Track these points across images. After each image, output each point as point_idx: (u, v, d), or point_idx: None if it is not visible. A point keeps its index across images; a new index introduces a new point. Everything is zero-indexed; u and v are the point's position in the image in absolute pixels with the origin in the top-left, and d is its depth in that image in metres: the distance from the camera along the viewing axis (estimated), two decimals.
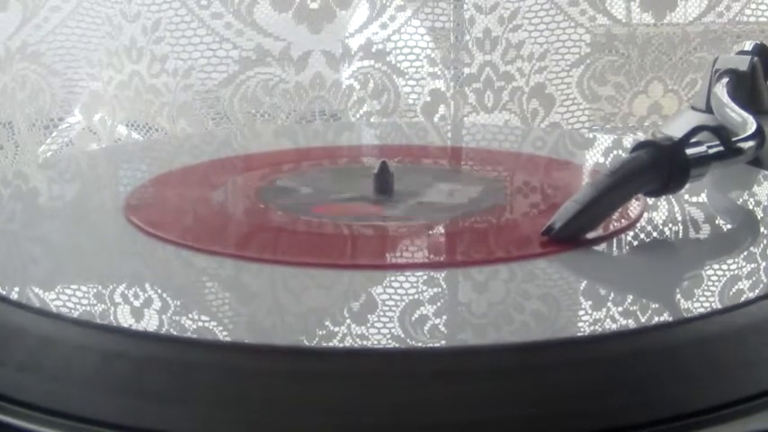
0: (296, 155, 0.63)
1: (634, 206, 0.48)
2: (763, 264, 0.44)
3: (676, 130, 0.50)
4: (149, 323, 0.38)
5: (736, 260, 0.45)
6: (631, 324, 0.38)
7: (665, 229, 0.48)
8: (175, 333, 0.38)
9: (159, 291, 0.42)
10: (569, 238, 0.44)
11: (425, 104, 0.85)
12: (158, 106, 0.79)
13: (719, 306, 0.40)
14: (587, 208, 0.44)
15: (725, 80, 0.61)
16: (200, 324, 0.39)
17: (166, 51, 0.78)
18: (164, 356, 0.36)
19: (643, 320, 0.38)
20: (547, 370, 0.35)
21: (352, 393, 0.34)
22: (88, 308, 0.40)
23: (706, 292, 0.41)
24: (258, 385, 0.35)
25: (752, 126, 0.52)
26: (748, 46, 0.63)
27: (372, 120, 0.83)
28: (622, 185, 0.44)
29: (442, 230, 0.48)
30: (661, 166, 0.45)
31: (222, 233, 0.48)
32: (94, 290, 0.41)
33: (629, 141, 0.65)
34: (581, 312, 0.40)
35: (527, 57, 0.85)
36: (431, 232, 0.48)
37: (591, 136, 0.77)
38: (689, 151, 0.46)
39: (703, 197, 0.53)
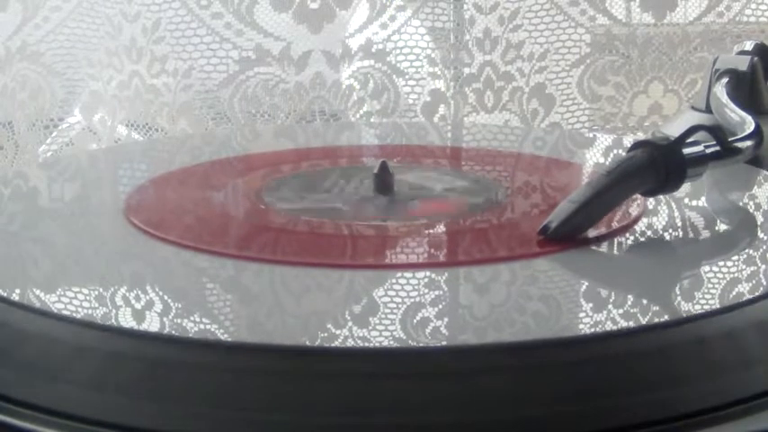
0: (296, 155, 0.63)
1: (633, 206, 0.48)
2: (763, 264, 0.44)
3: (676, 130, 0.50)
4: (149, 324, 0.38)
5: (736, 260, 0.45)
6: (631, 324, 0.38)
7: (665, 229, 0.48)
8: (176, 333, 0.38)
9: (159, 291, 0.42)
10: (565, 237, 0.44)
11: (425, 104, 0.85)
12: (158, 106, 0.79)
13: (719, 306, 0.40)
14: (583, 207, 0.44)
15: (725, 80, 0.61)
16: (201, 324, 0.39)
17: (166, 51, 0.78)
18: (163, 357, 0.36)
19: (643, 321, 0.38)
20: (547, 370, 0.35)
21: (352, 393, 0.34)
22: (88, 308, 0.40)
23: (705, 293, 0.41)
24: (258, 385, 0.35)
25: (750, 126, 0.52)
26: (748, 46, 0.63)
27: (372, 120, 0.83)
28: (619, 185, 0.44)
29: (442, 230, 0.48)
30: (658, 166, 0.45)
31: (222, 233, 0.48)
32: (94, 290, 0.41)
33: (629, 141, 0.65)
34: (580, 312, 0.40)
35: (527, 57, 0.86)
36: (431, 232, 0.48)
37: (591, 136, 0.77)
38: (686, 151, 0.46)
39: (702, 197, 0.53)
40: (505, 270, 0.43)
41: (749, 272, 0.43)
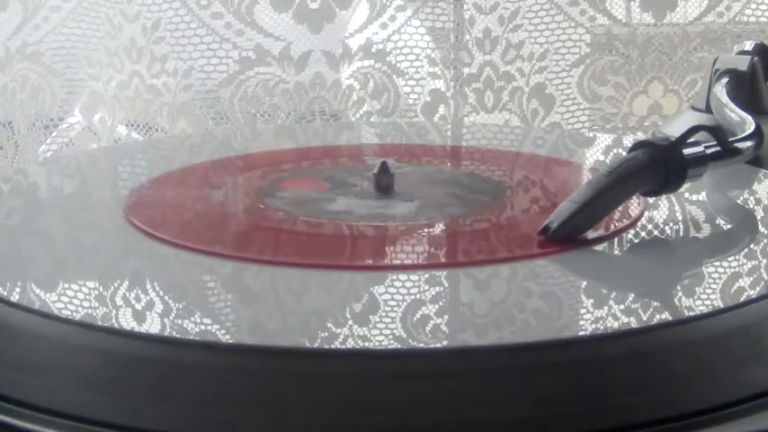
0: (296, 155, 0.63)
1: (634, 206, 0.48)
2: (764, 263, 0.44)
3: (676, 130, 0.50)
4: (150, 324, 0.38)
5: (736, 260, 0.45)
6: (631, 324, 0.38)
7: (665, 228, 0.48)
8: (176, 334, 0.38)
9: (159, 291, 0.42)
10: (566, 237, 0.44)
11: (425, 104, 0.85)
12: (158, 106, 0.79)
13: (719, 306, 0.40)
14: (584, 208, 0.44)
15: (725, 80, 0.61)
16: (201, 325, 0.39)
17: (166, 51, 0.78)
18: (163, 357, 0.36)
19: (643, 320, 0.38)
20: (547, 370, 0.35)
21: (352, 393, 0.34)
22: (88, 308, 0.40)
23: (706, 292, 0.41)
24: (258, 385, 0.35)
25: (750, 126, 0.52)
26: (748, 46, 0.63)
27: (372, 120, 0.83)
28: (619, 185, 0.44)
29: (442, 230, 0.48)
30: (658, 166, 0.45)
31: (222, 233, 0.48)
32: (94, 290, 0.41)
33: (629, 141, 0.65)
34: (581, 312, 0.40)
35: (527, 57, 0.85)
36: (431, 232, 0.48)
37: (591, 136, 0.77)
38: (686, 151, 0.46)
39: (703, 196, 0.53)
40: (506, 270, 0.43)
41: (749, 272, 0.43)
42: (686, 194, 0.51)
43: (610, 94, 0.88)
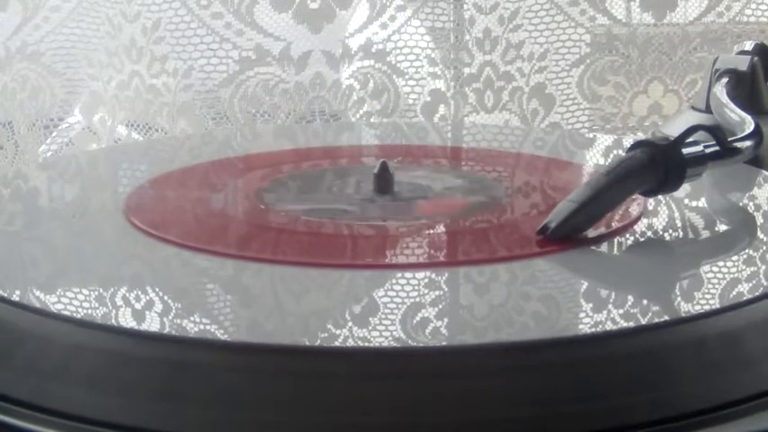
0: (296, 155, 0.63)
1: (633, 206, 0.48)
2: (762, 264, 0.44)
3: (676, 130, 0.50)
4: (149, 323, 0.38)
5: (735, 260, 0.45)
6: (630, 324, 0.38)
7: (664, 229, 0.48)
8: (176, 333, 0.38)
9: (159, 291, 0.42)
10: (565, 237, 0.44)
11: (425, 104, 0.85)
12: (158, 106, 0.79)
13: (719, 306, 0.40)
14: (583, 207, 0.44)
15: (724, 80, 0.61)
16: (201, 324, 0.39)
17: (166, 51, 0.78)
18: (164, 357, 0.36)
19: (642, 321, 0.38)
20: (547, 370, 0.35)
21: (352, 393, 0.34)
22: (88, 309, 0.40)
23: (705, 292, 0.41)
24: (258, 385, 0.35)
25: (750, 126, 0.52)
26: (748, 46, 0.63)
27: (372, 120, 0.83)
28: (618, 185, 0.44)
29: (442, 231, 0.48)
30: (657, 166, 0.45)
31: (222, 234, 0.48)
32: (94, 290, 0.41)
33: (629, 141, 0.65)
34: (580, 312, 0.40)
35: (527, 57, 0.85)
36: (430, 232, 0.48)
37: (591, 136, 0.77)
38: (685, 151, 0.46)
39: (703, 197, 0.53)
40: (505, 270, 0.43)
41: (749, 272, 0.43)
42: (685, 195, 0.51)
43: (610, 94, 0.88)
